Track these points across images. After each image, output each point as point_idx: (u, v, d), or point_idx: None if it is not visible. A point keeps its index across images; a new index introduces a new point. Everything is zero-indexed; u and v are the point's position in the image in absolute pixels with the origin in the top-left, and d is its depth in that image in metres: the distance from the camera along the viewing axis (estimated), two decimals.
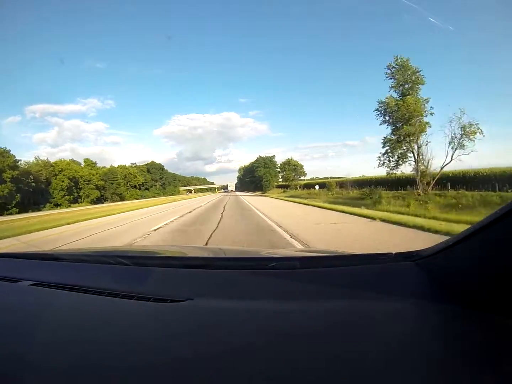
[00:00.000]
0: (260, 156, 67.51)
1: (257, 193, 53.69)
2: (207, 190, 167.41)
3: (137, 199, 77.86)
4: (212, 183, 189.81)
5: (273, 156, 66.29)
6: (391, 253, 0.88)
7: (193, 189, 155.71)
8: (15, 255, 1.46)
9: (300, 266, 0.93)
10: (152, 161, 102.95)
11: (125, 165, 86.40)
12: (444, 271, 0.71)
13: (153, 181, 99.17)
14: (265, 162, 65.27)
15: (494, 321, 0.53)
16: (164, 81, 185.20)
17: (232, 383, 0.44)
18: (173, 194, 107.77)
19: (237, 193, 66.41)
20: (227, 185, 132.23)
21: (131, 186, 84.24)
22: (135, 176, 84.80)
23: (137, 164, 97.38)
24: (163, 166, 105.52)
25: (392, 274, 0.81)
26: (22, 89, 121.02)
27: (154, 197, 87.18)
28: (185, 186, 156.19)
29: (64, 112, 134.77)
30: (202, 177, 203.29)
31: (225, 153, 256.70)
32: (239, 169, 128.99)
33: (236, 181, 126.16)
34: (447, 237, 0.68)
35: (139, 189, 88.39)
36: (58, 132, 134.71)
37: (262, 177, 61.86)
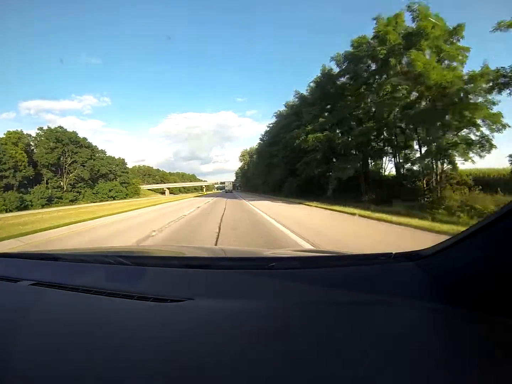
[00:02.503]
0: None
1: None
2: (195, 189, 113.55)
3: None
4: (204, 181, 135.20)
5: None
6: (391, 253, 0.87)
7: (170, 188, 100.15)
8: (15, 255, 1.48)
9: (300, 266, 0.94)
10: (59, 127, 46.58)
11: None
12: (444, 271, 0.71)
13: (46, 169, 42.92)
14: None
15: (494, 321, 0.53)
16: (161, 79, 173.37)
17: (232, 383, 0.44)
18: (113, 198, 53.73)
19: (256, 204, 9.66)
20: (224, 183, 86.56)
21: None
22: None
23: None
24: (84, 139, 49.46)
25: (392, 274, 0.80)
26: (17, 85, 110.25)
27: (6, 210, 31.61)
28: (158, 183, 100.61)
29: (59, 109, 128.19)
30: (191, 174, 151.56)
31: (222, 153, 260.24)
32: (242, 155, 73.62)
33: (234, 178, 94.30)
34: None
35: None
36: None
37: None
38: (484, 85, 9.18)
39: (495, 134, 9.54)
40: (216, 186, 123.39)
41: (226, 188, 71.88)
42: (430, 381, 0.42)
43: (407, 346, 0.51)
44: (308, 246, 4.09)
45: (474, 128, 9.72)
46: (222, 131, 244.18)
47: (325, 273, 0.86)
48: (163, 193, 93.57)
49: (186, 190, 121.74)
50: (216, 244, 4.45)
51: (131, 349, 0.54)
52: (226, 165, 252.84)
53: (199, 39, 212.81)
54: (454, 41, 10.70)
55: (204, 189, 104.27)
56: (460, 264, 0.66)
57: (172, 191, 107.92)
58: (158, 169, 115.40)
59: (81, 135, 49.17)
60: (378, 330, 0.56)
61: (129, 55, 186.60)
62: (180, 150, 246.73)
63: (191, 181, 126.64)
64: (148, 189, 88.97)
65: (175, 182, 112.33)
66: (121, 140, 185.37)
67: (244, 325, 0.62)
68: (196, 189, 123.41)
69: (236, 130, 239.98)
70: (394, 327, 0.57)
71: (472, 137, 9.89)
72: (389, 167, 15.86)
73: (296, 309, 0.67)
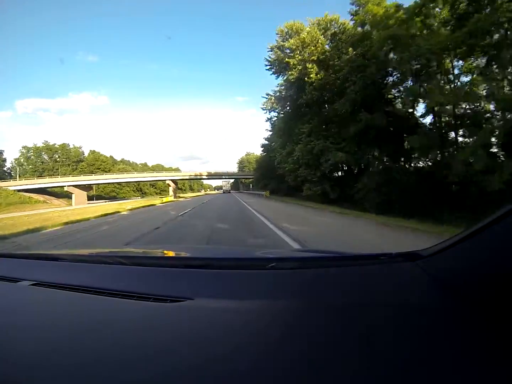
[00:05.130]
0: None
1: None
2: (189, 189, 63.32)
3: None
4: (177, 170, 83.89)
5: None
6: (391, 253, 0.88)
7: (96, 185, 48.73)
8: (15, 255, 1.49)
9: (300, 266, 0.95)
10: None
11: None
12: (445, 271, 0.70)
13: None
14: None
15: (494, 321, 0.53)
16: (159, 77, 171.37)
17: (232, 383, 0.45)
18: None
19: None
20: (218, 174, 57.35)
21: None
22: None
23: None
24: None
25: (392, 274, 0.80)
26: (14, 83, 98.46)
27: None
28: (87, 175, 49.62)
29: (57, 108, 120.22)
30: (174, 167, 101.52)
31: (221, 152, 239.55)
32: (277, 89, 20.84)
33: (237, 170, 70.93)
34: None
35: None
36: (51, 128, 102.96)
37: None
38: None
39: None
40: (214, 185, 78.84)
41: (223, 188, 61.60)
42: (430, 381, 0.43)
43: (406, 346, 0.51)
44: None
45: None
46: (222, 130, 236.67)
47: (325, 273, 0.86)
48: (70, 197, 42.88)
49: (163, 190, 70.97)
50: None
51: (131, 349, 0.55)
52: (225, 165, 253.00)
53: (198, 36, 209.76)
54: None
55: (171, 188, 51.77)
56: (460, 264, 0.66)
57: (115, 193, 56.68)
58: (94, 150, 64.33)
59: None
60: (377, 331, 0.56)
61: (128, 53, 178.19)
62: (179, 150, 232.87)
63: (164, 172, 72.93)
64: (28, 190, 37.99)
65: (133, 171, 60.70)
66: (118, 139, 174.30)
67: (244, 325, 0.62)
68: (191, 188, 73.16)
69: (236, 130, 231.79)
70: (394, 328, 0.57)
71: None
72: None
73: (296, 309, 0.67)
